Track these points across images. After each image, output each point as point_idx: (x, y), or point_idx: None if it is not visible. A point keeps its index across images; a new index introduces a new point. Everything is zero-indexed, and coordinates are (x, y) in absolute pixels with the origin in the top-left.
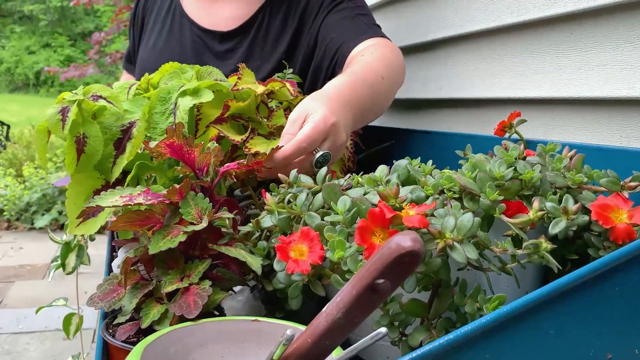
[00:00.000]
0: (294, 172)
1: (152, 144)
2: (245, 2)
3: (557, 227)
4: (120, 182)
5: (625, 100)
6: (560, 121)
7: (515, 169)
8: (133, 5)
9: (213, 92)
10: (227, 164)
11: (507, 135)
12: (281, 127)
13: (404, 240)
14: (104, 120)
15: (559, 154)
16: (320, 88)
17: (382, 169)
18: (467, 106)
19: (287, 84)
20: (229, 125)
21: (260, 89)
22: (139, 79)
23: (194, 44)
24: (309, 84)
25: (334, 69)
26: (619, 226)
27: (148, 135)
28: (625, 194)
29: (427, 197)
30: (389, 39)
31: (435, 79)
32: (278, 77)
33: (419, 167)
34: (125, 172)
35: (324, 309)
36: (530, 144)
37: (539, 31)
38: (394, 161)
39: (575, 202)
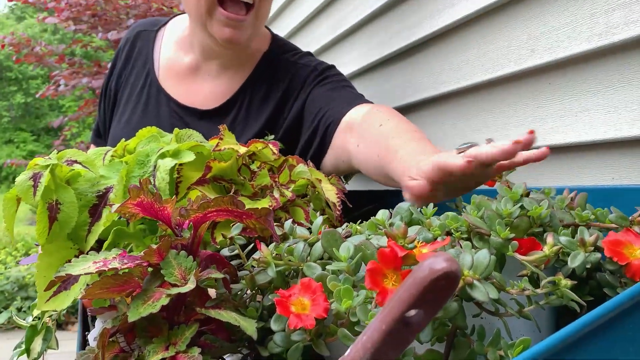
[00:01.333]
0: (288, 223)
1: (115, 206)
2: (226, 81)
3: (575, 261)
4: (95, 251)
5: (614, 142)
6: (550, 168)
7: (522, 206)
8: (105, 78)
9: (194, 153)
10: (208, 213)
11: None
12: (265, 187)
13: (437, 262)
14: (78, 186)
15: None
16: (311, 157)
17: (383, 213)
18: None
19: (270, 145)
20: (211, 187)
21: (242, 149)
22: None
23: (172, 120)
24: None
25: (324, 136)
26: (635, 262)
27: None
28: (636, 228)
29: (435, 238)
30: None
31: None
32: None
33: (421, 210)
34: (100, 241)
35: (346, 354)
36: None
37: (517, 84)
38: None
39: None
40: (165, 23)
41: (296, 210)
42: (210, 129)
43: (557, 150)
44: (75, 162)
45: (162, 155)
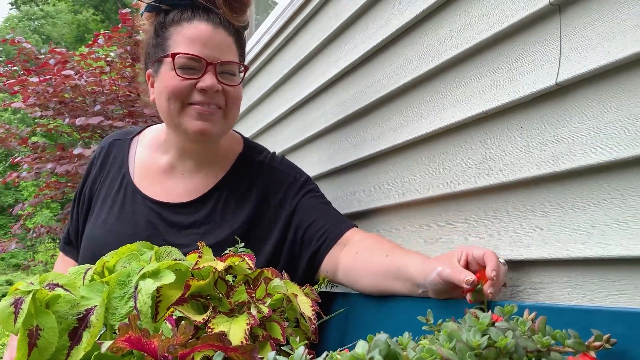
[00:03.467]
0: (272, 354)
1: (106, 345)
2: (202, 178)
3: None
4: None
5: (566, 260)
6: (510, 282)
7: (489, 337)
8: (79, 185)
9: (173, 271)
10: (195, 349)
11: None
12: (242, 304)
13: None
14: (58, 308)
15: (518, 315)
16: (297, 264)
17: (363, 346)
18: None
19: (247, 259)
20: (189, 306)
21: (220, 265)
22: (87, 255)
23: (149, 216)
24: (282, 258)
25: (318, 249)
26: None
27: (107, 322)
28: (592, 353)
29: None
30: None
31: None
32: (230, 251)
33: (397, 340)
34: None
35: None
36: (491, 305)
37: (476, 199)
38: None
39: None
40: (139, 132)
41: (273, 326)
42: (187, 220)
43: (516, 264)
44: (57, 285)
45: (143, 276)
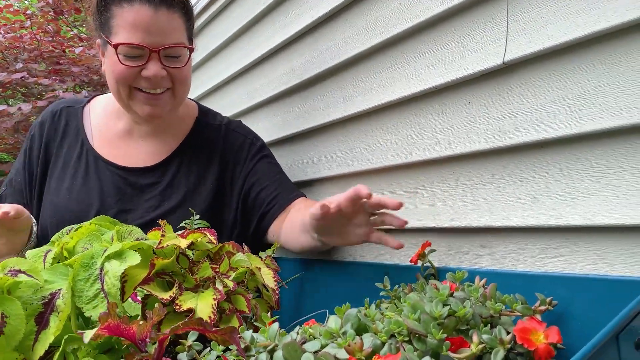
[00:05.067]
0: (248, 334)
1: (88, 335)
2: (162, 141)
3: (498, 356)
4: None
5: (509, 228)
6: (459, 248)
7: (450, 308)
8: (27, 149)
9: (136, 250)
10: (175, 331)
11: (420, 263)
12: (207, 279)
13: None
14: (21, 294)
15: (469, 280)
16: (249, 223)
17: (335, 321)
18: None
19: (208, 234)
20: (156, 284)
21: (183, 243)
22: (52, 222)
23: (114, 182)
24: (238, 221)
25: (267, 212)
26: (540, 347)
27: (74, 305)
28: (538, 316)
29: (383, 343)
30: None
31: None
32: (186, 224)
33: (365, 313)
34: (48, 350)
35: None
36: (440, 271)
37: (426, 169)
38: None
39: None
40: (89, 101)
41: (238, 299)
42: (153, 184)
43: (463, 231)
44: (19, 271)
45: (108, 257)
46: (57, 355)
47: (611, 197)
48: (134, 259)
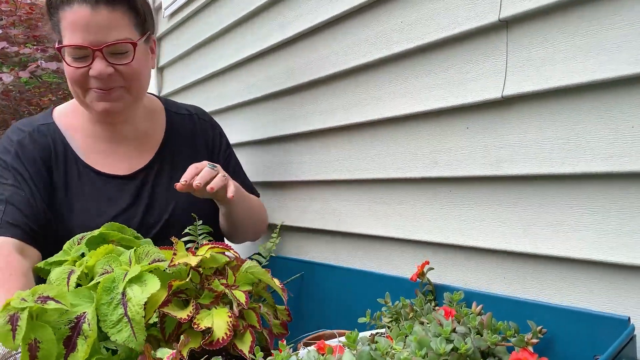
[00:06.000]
0: None
1: None
2: (145, 138)
3: None
4: None
5: (505, 252)
6: (452, 266)
7: (453, 345)
8: (13, 158)
9: (153, 271)
10: None
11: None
12: (219, 295)
13: None
14: (49, 318)
15: (465, 302)
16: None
17: (350, 357)
18: (363, 240)
19: (226, 251)
20: (174, 304)
21: (194, 261)
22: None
23: (123, 191)
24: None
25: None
26: None
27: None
28: (530, 348)
29: None
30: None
31: (331, 212)
32: (190, 230)
33: (375, 347)
34: None
35: None
36: (437, 288)
37: (424, 186)
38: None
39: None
40: (51, 113)
41: (249, 314)
42: (156, 182)
43: (458, 248)
44: (48, 298)
45: (129, 282)
46: None
47: (598, 234)
48: (154, 285)
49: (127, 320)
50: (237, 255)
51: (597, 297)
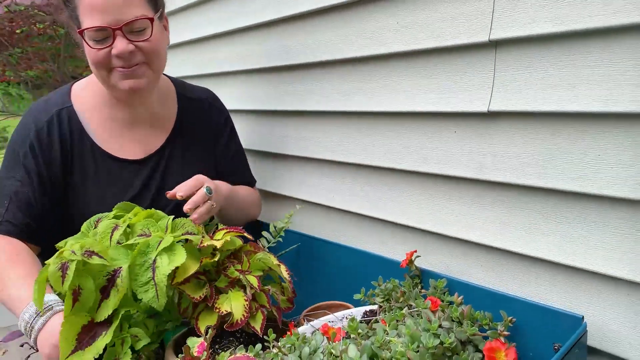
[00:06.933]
0: None
1: None
2: (159, 122)
3: None
4: (106, 320)
5: (482, 245)
6: (438, 251)
7: (439, 337)
8: (27, 150)
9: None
10: None
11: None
12: (234, 280)
13: None
14: (92, 268)
15: (447, 288)
16: None
17: (354, 351)
18: (356, 218)
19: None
20: (192, 284)
21: (218, 244)
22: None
23: (137, 177)
24: None
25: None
26: None
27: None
28: (502, 338)
29: None
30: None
31: (325, 188)
32: None
33: (375, 341)
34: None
35: None
36: (424, 274)
37: (415, 179)
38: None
39: (476, 349)
40: (69, 93)
41: (261, 296)
42: (169, 163)
43: (444, 238)
44: (93, 252)
45: (161, 251)
46: (116, 320)
47: (563, 240)
48: (181, 257)
49: (153, 283)
50: (251, 240)
51: (557, 294)
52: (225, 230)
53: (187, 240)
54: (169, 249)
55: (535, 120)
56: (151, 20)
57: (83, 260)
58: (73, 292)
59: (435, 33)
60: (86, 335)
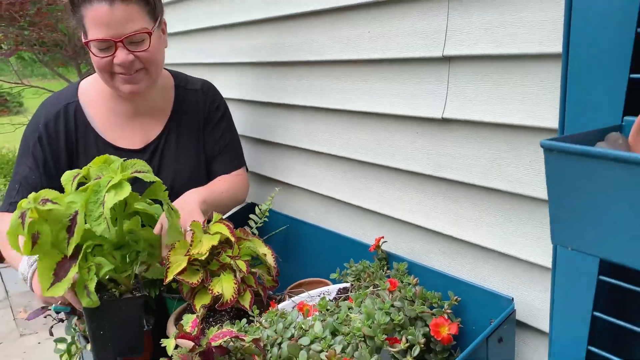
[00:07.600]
0: (265, 333)
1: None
2: (157, 111)
3: (415, 351)
4: (74, 254)
5: (439, 233)
6: (405, 236)
7: (389, 315)
8: (35, 141)
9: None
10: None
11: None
12: (225, 265)
13: None
14: (56, 214)
15: (407, 270)
16: None
17: (319, 327)
18: (337, 204)
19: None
20: (189, 272)
21: (215, 240)
22: None
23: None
24: None
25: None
26: (444, 336)
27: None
28: (445, 315)
29: (349, 343)
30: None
31: (311, 175)
32: None
33: (337, 318)
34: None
35: None
36: (390, 257)
37: (386, 173)
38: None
39: (425, 324)
40: (77, 89)
41: (249, 278)
42: (165, 154)
43: (409, 225)
44: (47, 200)
45: (110, 188)
46: (81, 253)
47: (504, 232)
48: (125, 191)
49: (104, 217)
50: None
51: (495, 277)
52: (218, 220)
53: (136, 178)
54: (117, 186)
55: (480, 128)
56: (149, 33)
57: (44, 209)
58: (32, 236)
59: (400, 44)
60: (61, 269)
